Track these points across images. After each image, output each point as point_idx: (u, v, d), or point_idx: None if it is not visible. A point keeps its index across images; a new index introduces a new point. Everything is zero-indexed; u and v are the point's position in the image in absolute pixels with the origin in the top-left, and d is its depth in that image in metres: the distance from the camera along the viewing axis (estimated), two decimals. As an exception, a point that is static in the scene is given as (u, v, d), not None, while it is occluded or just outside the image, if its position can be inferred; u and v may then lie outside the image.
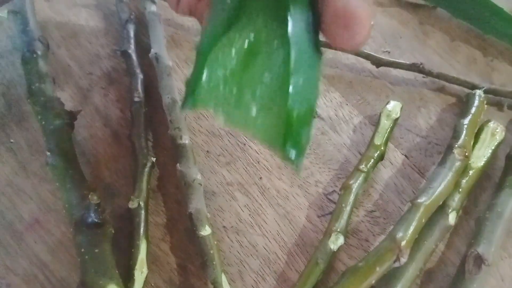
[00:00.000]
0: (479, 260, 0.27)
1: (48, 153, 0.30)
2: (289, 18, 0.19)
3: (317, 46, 0.20)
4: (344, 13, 0.18)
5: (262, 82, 0.19)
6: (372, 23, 0.18)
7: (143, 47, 0.36)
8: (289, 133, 0.19)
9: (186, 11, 0.24)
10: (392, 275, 0.27)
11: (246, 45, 0.19)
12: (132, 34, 0.35)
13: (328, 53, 0.38)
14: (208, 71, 0.19)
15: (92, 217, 0.26)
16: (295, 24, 0.19)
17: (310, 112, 0.19)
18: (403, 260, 0.26)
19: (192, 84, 0.18)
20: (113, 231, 0.27)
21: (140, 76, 0.34)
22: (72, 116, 0.32)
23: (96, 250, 0.26)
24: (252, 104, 0.19)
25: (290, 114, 0.19)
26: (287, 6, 0.19)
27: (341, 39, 0.18)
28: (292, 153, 0.19)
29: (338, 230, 0.28)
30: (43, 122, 0.32)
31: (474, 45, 0.38)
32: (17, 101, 0.34)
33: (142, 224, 0.28)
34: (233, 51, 0.19)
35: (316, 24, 0.20)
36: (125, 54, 0.34)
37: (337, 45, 0.18)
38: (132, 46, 0.35)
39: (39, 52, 0.34)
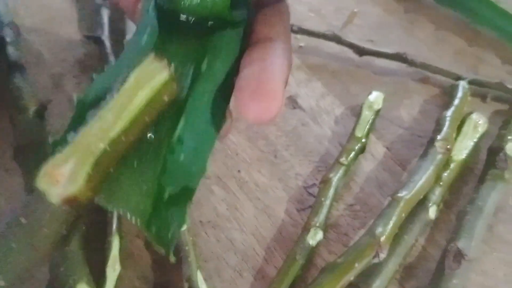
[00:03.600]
0: (459, 255, 0.26)
1: (16, 145, 0.28)
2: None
3: (220, 113, 0.18)
4: (255, 84, 0.16)
5: (138, 150, 0.16)
6: (283, 98, 0.16)
7: (118, 34, 0.34)
8: (157, 213, 0.16)
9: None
10: (371, 270, 0.26)
11: None
12: (106, 19, 0.34)
13: (311, 41, 0.37)
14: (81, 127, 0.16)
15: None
16: (199, 86, 0.17)
17: (187, 193, 0.17)
18: (382, 255, 0.25)
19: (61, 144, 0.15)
20: (84, 227, 0.26)
21: (114, 64, 0.32)
22: (42, 105, 0.31)
23: (66, 247, 0.25)
24: (123, 175, 0.16)
25: (161, 193, 0.17)
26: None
27: (247, 111, 0.16)
28: (161, 234, 0.16)
29: (317, 225, 0.27)
30: (12, 112, 0.30)
31: (461, 36, 0.37)
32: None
33: (115, 220, 0.27)
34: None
35: (230, 87, 0.17)
36: (98, 41, 0.33)
37: (244, 116, 0.16)
38: (106, 32, 0.33)
39: (8, 39, 0.33)
